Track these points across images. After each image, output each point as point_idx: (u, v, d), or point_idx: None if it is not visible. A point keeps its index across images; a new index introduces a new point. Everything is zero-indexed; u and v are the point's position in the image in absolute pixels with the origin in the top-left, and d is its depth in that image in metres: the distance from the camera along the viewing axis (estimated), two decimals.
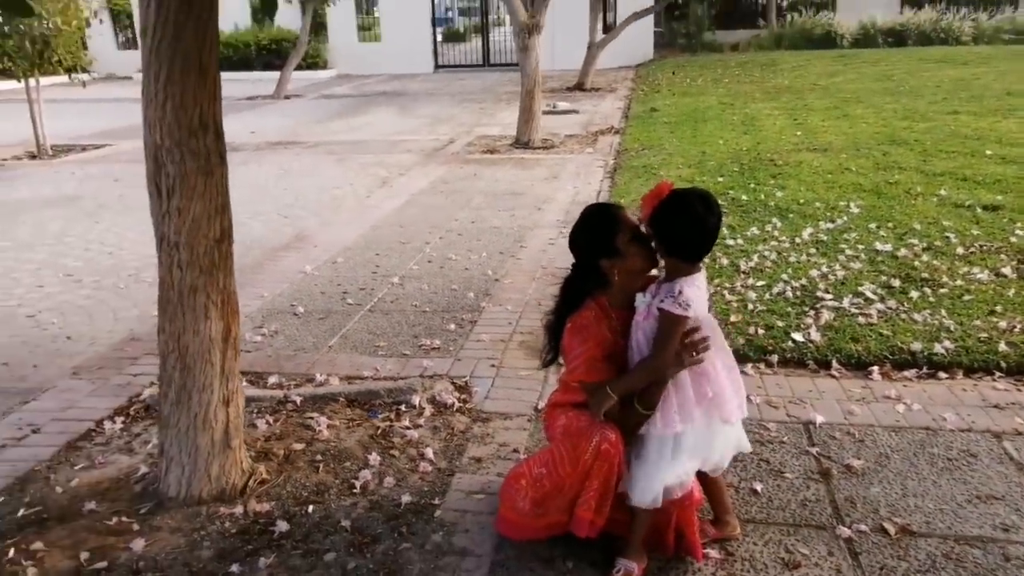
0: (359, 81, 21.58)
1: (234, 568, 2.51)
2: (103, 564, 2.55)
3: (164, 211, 2.57)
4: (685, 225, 2.24)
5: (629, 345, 2.39)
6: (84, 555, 2.58)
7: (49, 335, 4.51)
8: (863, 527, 2.64)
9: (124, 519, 2.77)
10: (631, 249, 2.35)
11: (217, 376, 2.73)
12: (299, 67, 21.35)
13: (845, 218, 6.04)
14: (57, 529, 2.74)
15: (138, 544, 2.62)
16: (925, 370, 3.73)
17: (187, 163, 2.53)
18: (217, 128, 2.59)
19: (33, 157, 10.77)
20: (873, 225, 5.81)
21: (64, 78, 12.12)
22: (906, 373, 3.71)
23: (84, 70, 11.45)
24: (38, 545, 2.64)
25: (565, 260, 5.33)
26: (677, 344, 2.27)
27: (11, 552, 2.61)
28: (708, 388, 2.35)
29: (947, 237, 5.46)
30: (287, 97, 17.61)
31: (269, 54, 22.55)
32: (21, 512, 2.84)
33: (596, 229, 2.40)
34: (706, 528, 2.61)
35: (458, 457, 3.13)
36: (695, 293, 2.26)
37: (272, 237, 6.51)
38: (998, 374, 3.68)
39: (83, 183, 9.04)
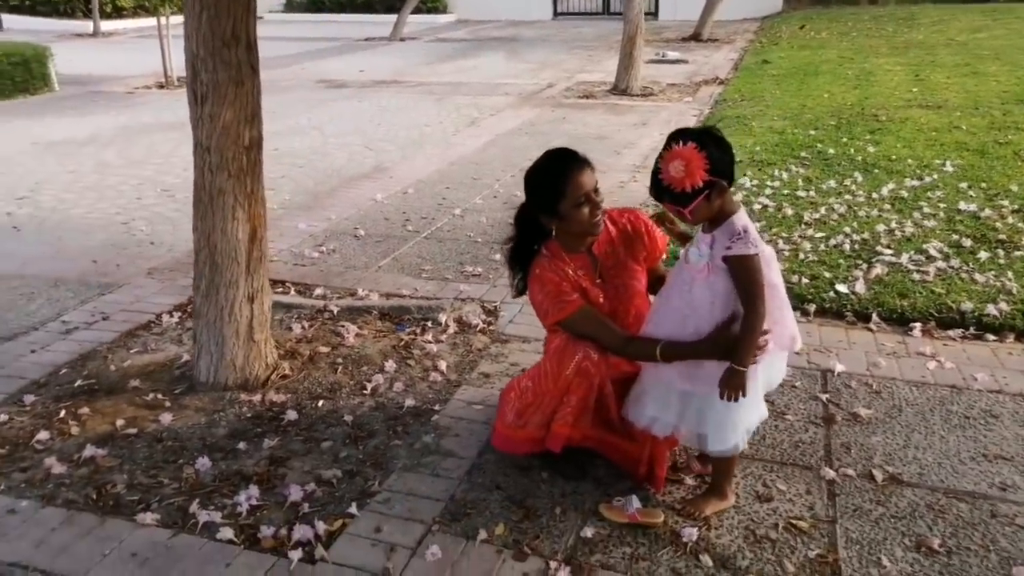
0: (476, 26, 21.66)
1: (241, 445, 2.77)
2: (134, 431, 2.87)
3: (198, 117, 2.79)
4: (729, 152, 2.16)
5: (670, 300, 2.28)
6: (120, 422, 2.91)
7: (136, 240, 4.95)
8: (850, 471, 2.61)
9: (159, 397, 3.09)
10: (572, 213, 2.32)
11: (242, 274, 2.97)
12: (419, 11, 21.72)
13: (935, 176, 5.69)
14: (103, 399, 3.08)
15: (166, 418, 2.92)
16: (972, 331, 3.54)
17: (219, 72, 2.72)
18: (249, 40, 2.77)
19: (160, 87, 11.53)
20: (964, 184, 5.45)
21: None
22: (950, 332, 3.54)
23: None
24: (85, 410, 2.99)
25: (628, 203, 5.33)
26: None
27: (62, 412, 2.97)
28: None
29: None
30: (402, 39, 17.93)
31: None
32: (78, 382, 3.21)
33: (542, 188, 2.36)
34: (692, 464, 2.64)
35: (469, 371, 3.27)
36: (752, 226, 2.19)
37: (353, 167, 6.79)
38: None
39: None
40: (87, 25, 20.00)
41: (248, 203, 2.91)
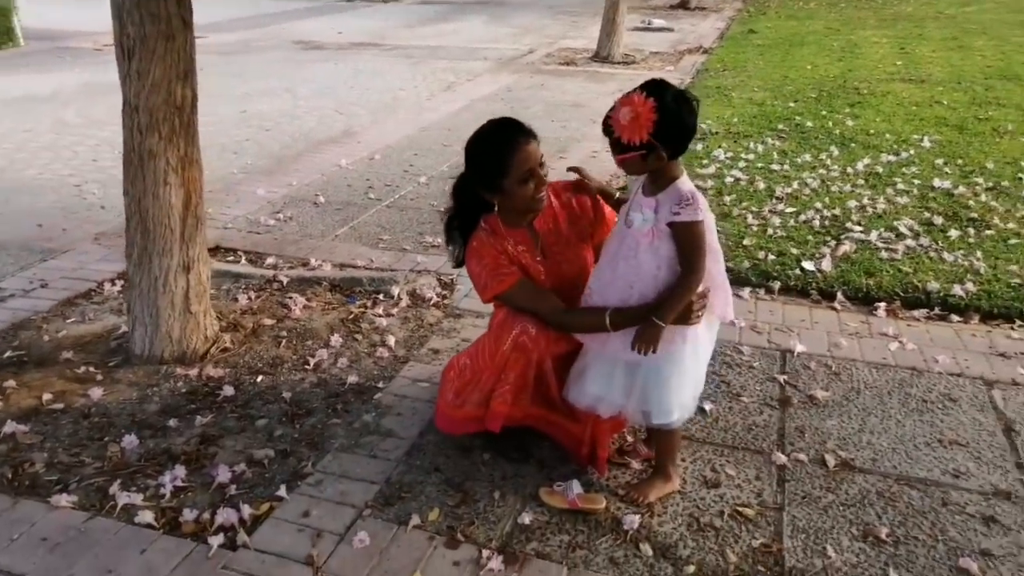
0: None
1: (171, 422, 2.65)
2: (60, 405, 2.74)
3: (125, 73, 2.63)
4: (690, 116, 2.03)
5: (616, 267, 2.17)
6: (47, 396, 2.78)
7: (86, 204, 4.77)
8: (802, 456, 2.52)
9: (91, 370, 2.95)
10: (515, 189, 2.19)
11: (177, 242, 2.82)
12: None
13: (912, 151, 5.59)
14: (32, 372, 2.95)
15: (96, 393, 2.79)
16: (937, 311, 3.46)
17: (147, 26, 2.55)
18: None
19: None
20: (940, 161, 5.36)
21: None
22: (915, 313, 3.46)
23: None
24: (11, 383, 2.85)
25: (600, 172, 5.21)
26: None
27: None
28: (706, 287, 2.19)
29: (1020, 178, 4.98)
30: (385, 1, 17.53)
31: None
32: (7, 354, 3.06)
33: (485, 163, 2.22)
34: (638, 447, 2.55)
35: (418, 347, 3.16)
36: (698, 192, 2.10)
37: (321, 131, 6.60)
38: (1019, 323, 3.37)
39: None
40: None
41: (181, 166, 2.75)
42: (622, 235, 2.19)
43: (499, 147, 2.20)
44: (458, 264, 2.46)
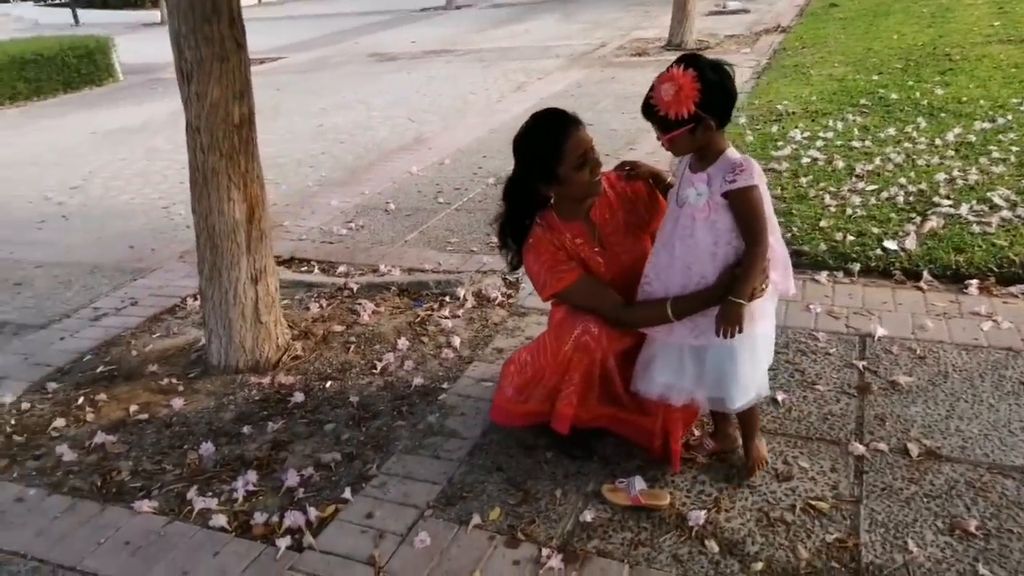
0: None
1: (245, 429, 2.74)
2: (145, 416, 2.88)
3: (186, 96, 2.74)
4: (728, 91, 1.99)
5: (673, 249, 2.11)
6: (133, 408, 2.93)
7: (173, 224, 5.01)
8: (882, 446, 2.39)
9: (174, 381, 3.09)
10: (572, 176, 2.16)
11: (243, 254, 2.92)
12: None
13: (1010, 117, 5.22)
14: (121, 385, 3.12)
15: (177, 403, 2.92)
16: None
17: (202, 49, 2.65)
18: (232, 14, 2.68)
19: None
20: None
21: None
22: (1012, 289, 3.22)
23: None
24: (102, 396, 3.02)
25: (665, 162, 5.12)
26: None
27: (80, 399, 3.02)
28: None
29: None
30: (458, 8, 17.75)
31: None
32: (99, 368, 3.25)
33: (538, 153, 2.18)
34: (705, 441, 2.47)
35: (483, 347, 3.16)
36: (750, 158, 2.05)
37: (393, 139, 6.72)
38: None
39: None
40: (155, 14, 20.56)
41: (243, 182, 2.84)
42: (675, 215, 2.13)
43: (551, 136, 2.17)
44: (515, 267, 2.44)
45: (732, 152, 2.05)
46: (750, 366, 2.17)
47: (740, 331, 2.04)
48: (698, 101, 1.91)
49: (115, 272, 4.30)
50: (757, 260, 2.02)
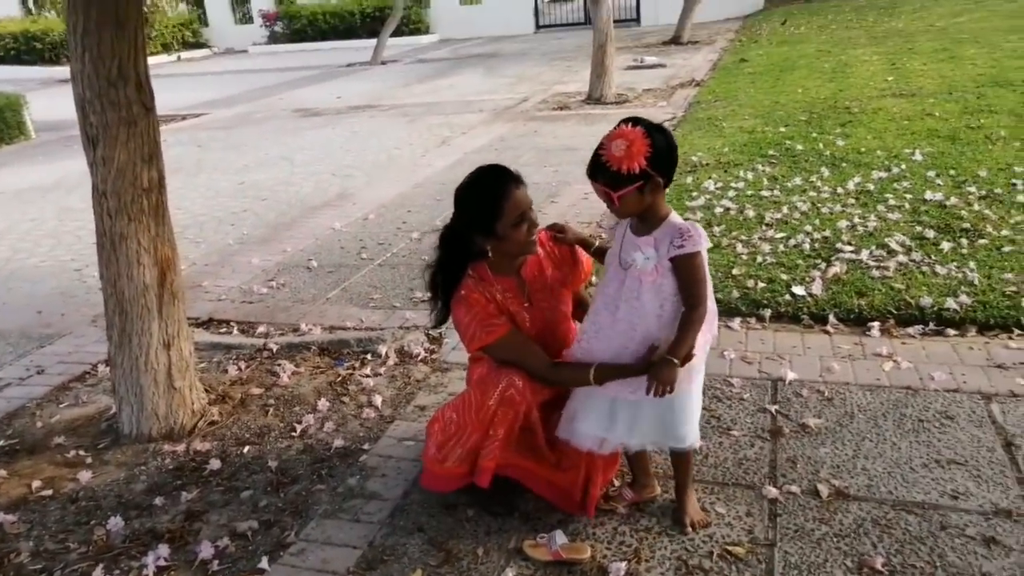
0: (458, 45, 21.65)
1: (157, 500, 2.64)
2: (49, 492, 2.75)
3: (92, 160, 2.69)
4: (673, 152, 2.07)
5: (616, 310, 2.16)
6: (36, 483, 2.79)
7: (86, 287, 4.85)
8: (794, 488, 2.46)
9: (81, 453, 2.97)
10: (509, 233, 2.20)
11: (155, 320, 2.85)
12: (401, 33, 21.76)
13: (903, 166, 5.55)
14: (24, 459, 2.97)
15: (84, 476, 2.80)
16: (932, 327, 3.39)
17: (108, 114, 2.62)
18: (139, 79, 2.66)
19: None
20: (932, 173, 5.31)
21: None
22: (909, 330, 3.40)
23: (179, 46, 12.09)
24: (1, 473, 2.87)
25: (592, 214, 5.23)
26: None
27: None
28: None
29: (1014, 184, 4.92)
30: (383, 63, 17.92)
31: (373, 21, 22.93)
32: (1, 443, 3.09)
33: (479, 207, 2.22)
34: (624, 491, 2.49)
35: (404, 405, 3.14)
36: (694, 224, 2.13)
37: (317, 195, 6.70)
38: (1017, 332, 3.30)
39: (171, 148, 9.56)
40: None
41: (154, 246, 2.79)
42: (619, 277, 2.18)
43: (491, 192, 2.21)
44: (439, 323, 2.44)
45: (675, 217, 2.13)
46: (688, 415, 2.25)
47: (671, 391, 2.08)
48: (648, 157, 1.98)
49: (21, 339, 4.13)
50: (696, 323, 2.10)
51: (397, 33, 20.07)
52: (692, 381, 2.22)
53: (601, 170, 2.03)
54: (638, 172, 1.99)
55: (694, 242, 2.05)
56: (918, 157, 5.73)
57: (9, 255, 5.70)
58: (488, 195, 2.21)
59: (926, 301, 3.49)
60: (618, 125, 2.04)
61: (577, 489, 2.39)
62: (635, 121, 2.03)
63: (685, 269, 2.08)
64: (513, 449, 2.35)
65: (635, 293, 2.13)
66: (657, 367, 2.06)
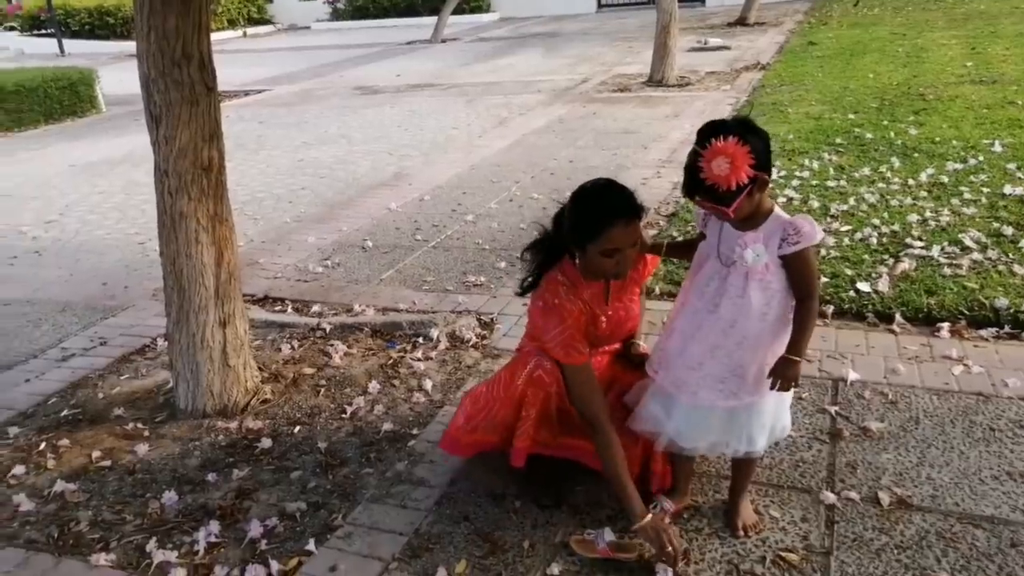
0: (518, 23, 21.48)
1: (210, 477, 2.69)
2: (107, 463, 2.82)
3: (154, 140, 2.72)
4: (767, 140, 1.99)
5: (718, 308, 2.09)
6: (96, 454, 2.87)
7: (149, 260, 4.96)
8: (853, 495, 2.37)
9: (139, 426, 3.04)
10: (595, 258, 2.13)
11: (212, 299, 2.89)
12: (462, 11, 21.68)
13: (981, 158, 5.29)
14: (85, 429, 3.05)
15: (141, 449, 2.87)
16: (1007, 330, 3.23)
17: (171, 93, 2.64)
18: (202, 59, 2.68)
19: None
20: (1012, 166, 5.06)
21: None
22: (982, 332, 3.24)
23: (245, 22, 12.25)
24: (64, 442, 2.96)
25: (650, 200, 5.11)
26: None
27: (42, 445, 2.95)
28: None
29: None
30: (443, 41, 17.88)
31: None
32: (64, 412, 3.18)
33: (578, 221, 2.15)
34: (664, 504, 2.41)
35: (454, 391, 3.13)
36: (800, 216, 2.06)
37: (374, 175, 6.72)
38: None
39: (233, 125, 9.72)
40: None
41: (212, 226, 2.82)
42: (722, 274, 2.10)
43: (595, 215, 2.12)
44: (523, 292, 2.38)
45: (779, 211, 2.05)
46: (773, 417, 2.21)
47: (797, 386, 2.09)
48: (752, 162, 1.89)
49: (86, 310, 4.25)
50: (812, 315, 2.06)
51: (458, 11, 19.97)
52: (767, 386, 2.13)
53: (707, 191, 1.94)
54: (746, 183, 1.91)
55: (809, 237, 1.99)
56: (997, 148, 5.46)
57: (78, 227, 5.87)
58: (591, 215, 2.13)
59: (1002, 302, 3.32)
60: (706, 140, 1.92)
61: (636, 463, 2.35)
62: (717, 129, 1.92)
63: (800, 264, 2.02)
64: (556, 430, 2.36)
65: (740, 291, 2.06)
66: (782, 366, 2.04)
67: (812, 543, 2.21)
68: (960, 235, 4.03)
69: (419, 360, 3.36)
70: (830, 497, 2.36)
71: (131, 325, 3.99)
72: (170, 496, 2.58)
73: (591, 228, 2.11)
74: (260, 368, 3.26)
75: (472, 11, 22.94)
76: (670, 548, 2.08)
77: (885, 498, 2.35)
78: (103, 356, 3.67)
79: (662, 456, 2.37)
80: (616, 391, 2.45)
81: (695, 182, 1.95)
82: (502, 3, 23.93)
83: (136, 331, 3.91)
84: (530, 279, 2.35)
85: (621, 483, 2.17)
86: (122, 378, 3.45)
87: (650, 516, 2.13)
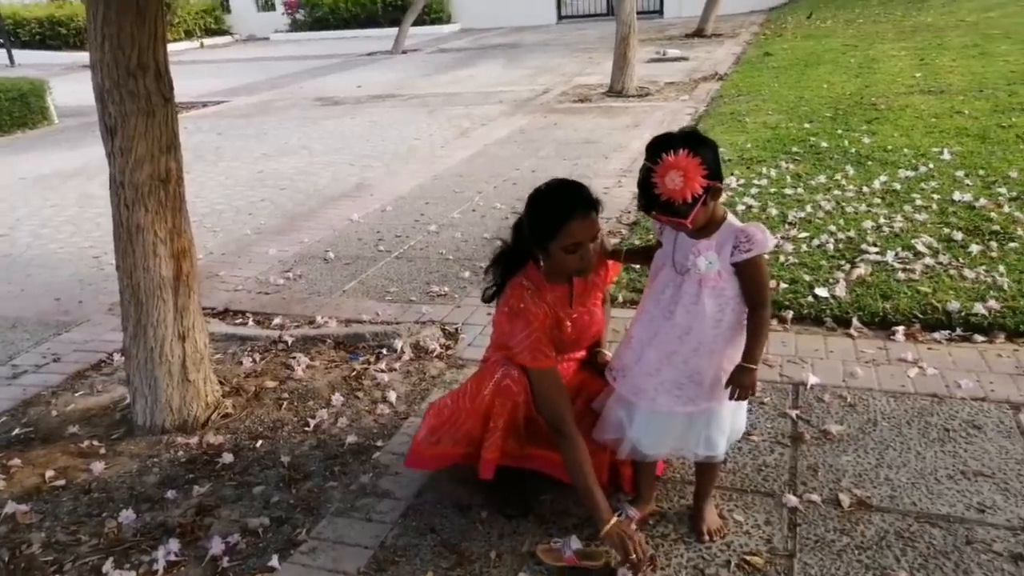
0: (479, 34, 21.55)
1: (169, 494, 2.63)
2: (62, 482, 2.74)
3: (110, 151, 2.67)
4: (716, 150, 2.00)
5: (672, 316, 2.11)
6: (50, 473, 2.79)
7: (104, 274, 4.85)
8: (815, 497, 2.40)
9: (95, 443, 2.96)
10: (558, 255, 2.15)
11: (170, 312, 2.83)
12: (423, 22, 21.70)
13: (931, 165, 5.44)
14: (38, 448, 2.97)
15: (97, 467, 2.79)
16: (959, 332, 3.31)
17: (127, 104, 2.59)
18: (158, 69, 2.63)
19: None
20: (961, 173, 5.20)
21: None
22: (935, 335, 3.32)
23: (202, 33, 12.10)
24: (15, 461, 2.87)
25: (611, 210, 5.16)
26: None
27: None
28: None
29: None
30: (404, 52, 17.86)
31: (395, 10, 22.87)
32: (15, 431, 3.09)
33: (537, 221, 2.17)
34: (628, 512, 2.43)
35: (419, 402, 3.11)
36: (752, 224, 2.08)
37: (335, 186, 6.67)
38: None
39: (191, 136, 9.58)
40: None
41: (170, 238, 2.77)
42: (676, 282, 2.12)
43: (552, 212, 2.14)
44: (488, 300, 2.39)
45: (733, 219, 2.07)
46: (729, 421, 2.23)
47: (753, 394, 2.10)
48: (704, 173, 1.91)
49: (38, 326, 4.14)
50: (765, 324, 2.09)
51: (418, 22, 20.01)
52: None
53: (662, 206, 1.95)
54: (701, 193, 1.93)
55: (760, 244, 2.01)
56: (946, 156, 5.61)
57: (30, 240, 5.72)
58: (548, 214, 2.14)
59: (953, 306, 3.41)
60: (655, 155, 1.94)
61: (604, 469, 2.37)
62: (669, 142, 1.94)
63: (752, 271, 2.04)
64: (523, 441, 2.35)
65: (694, 298, 2.08)
66: (738, 374, 2.06)
67: (776, 546, 2.23)
68: (913, 241, 4.13)
69: (383, 371, 3.34)
70: (792, 500, 2.40)
71: (86, 340, 3.89)
72: (127, 515, 2.52)
73: (550, 226, 2.13)
74: (221, 382, 3.21)
75: (433, 22, 22.97)
76: (634, 556, 2.09)
77: (845, 500, 2.38)
78: (56, 373, 3.57)
79: (630, 460, 2.39)
80: (584, 398, 2.46)
81: (650, 197, 1.96)
82: (463, 14, 24.00)
83: (91, 346, 3.82)
84: (494, 287, 2.36)
85: (587, 487, 2.17)
86: (77, 395, 3.36)
87: (615, 520, 2.14)
